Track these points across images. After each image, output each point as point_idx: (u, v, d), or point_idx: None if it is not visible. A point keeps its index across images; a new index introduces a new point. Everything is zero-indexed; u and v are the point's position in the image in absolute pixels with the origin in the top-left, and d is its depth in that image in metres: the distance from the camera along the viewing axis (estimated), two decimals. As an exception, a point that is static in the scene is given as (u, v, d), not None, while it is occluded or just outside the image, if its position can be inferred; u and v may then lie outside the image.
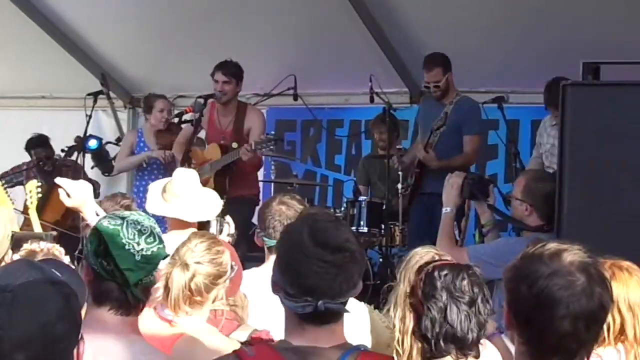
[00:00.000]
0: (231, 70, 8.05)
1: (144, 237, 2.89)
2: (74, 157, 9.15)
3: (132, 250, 2.85)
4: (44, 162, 9.28)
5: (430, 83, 7.84)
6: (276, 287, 2.63)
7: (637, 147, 5.18)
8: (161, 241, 2.95)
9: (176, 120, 8.77)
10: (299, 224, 2.71)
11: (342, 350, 2.59)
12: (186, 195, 5.18)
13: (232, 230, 5.22)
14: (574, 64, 5.51)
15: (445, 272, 3.24)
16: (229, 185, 7.90)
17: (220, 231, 5.25)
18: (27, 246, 3.76)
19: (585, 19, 7.81)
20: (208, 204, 5.24)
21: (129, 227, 2.88)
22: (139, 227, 2.90)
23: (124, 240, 2.86)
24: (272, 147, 7.69)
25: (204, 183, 5.65)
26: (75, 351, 2.08)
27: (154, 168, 8.49)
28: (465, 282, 3.22)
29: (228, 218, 5.29)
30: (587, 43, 7.44)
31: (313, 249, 2.55)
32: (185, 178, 5.29)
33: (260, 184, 8.63)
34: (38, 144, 9.38)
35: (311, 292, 2.54)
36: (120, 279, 2.84)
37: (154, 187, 5.38)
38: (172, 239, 4.81)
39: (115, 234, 2.86)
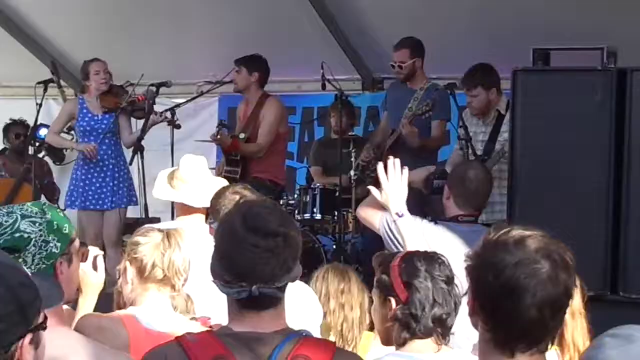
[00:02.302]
0: (242, 60, 8.24)
1: None
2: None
3: None
4: (21, 138, 9.55)
5: (396, 62, 7.84)
6: (214, 274, 2.66)
7: (586, 132, 5.25)
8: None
9: (129, 109, 8.70)
10: (234, 211, 2.76)
11: (283, 335, 2.61)
12: (193, 181, 5.20)
13: None
14: (525, 51, 5.57)
15: (421, 257, 3.30)
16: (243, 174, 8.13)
17: None
18: None
19: (536, 5, 7.88)
20: (215, 190, 5.10)
21: None
22: None
23: None
24: (223, 130, 8.18)
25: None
26: (21, 342, 2.06)
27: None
28: (441, 267, 3.27)
29: None
30: (538, 30, 7.51)
31: (245, 235, 2.59)
32: (193, 164, 5.30)
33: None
34: (20, 126, 9.67)
35: (245, 278, 2.58)
36: None
37: (162, 174, 5.39)
38: (176, 225, 4.81)
39: None
